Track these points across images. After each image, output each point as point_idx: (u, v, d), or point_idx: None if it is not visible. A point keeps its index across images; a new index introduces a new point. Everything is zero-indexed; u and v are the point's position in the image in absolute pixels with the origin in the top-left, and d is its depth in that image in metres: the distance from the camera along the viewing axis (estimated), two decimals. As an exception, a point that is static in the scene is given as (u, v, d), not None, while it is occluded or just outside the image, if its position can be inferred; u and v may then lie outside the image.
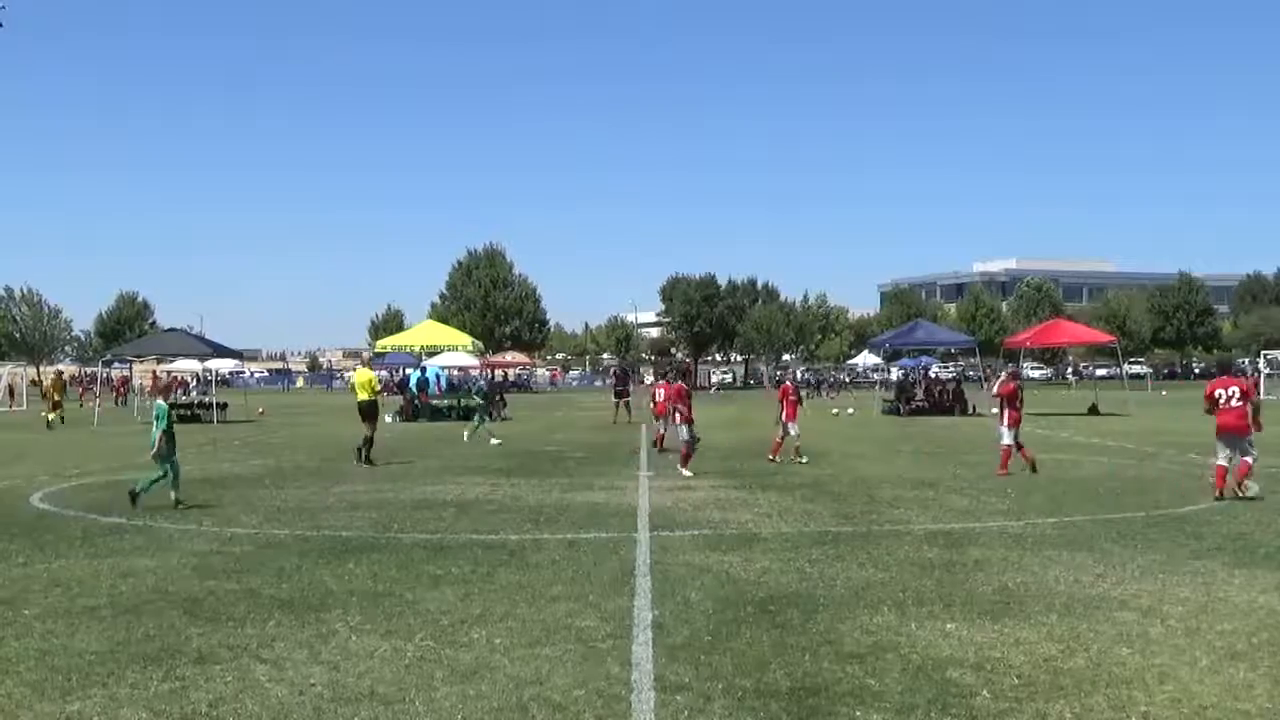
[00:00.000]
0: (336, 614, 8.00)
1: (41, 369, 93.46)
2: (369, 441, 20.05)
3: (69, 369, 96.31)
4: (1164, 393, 61.07)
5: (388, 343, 44.15)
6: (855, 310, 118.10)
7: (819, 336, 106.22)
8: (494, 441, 24.22)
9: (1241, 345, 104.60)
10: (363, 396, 21.10)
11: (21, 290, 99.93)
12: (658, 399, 22.15)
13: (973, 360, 71.11)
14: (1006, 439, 17.66)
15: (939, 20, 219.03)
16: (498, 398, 38.46)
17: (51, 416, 35.28)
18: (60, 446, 26.32)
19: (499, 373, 46.27)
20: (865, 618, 7.77)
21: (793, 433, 19.74)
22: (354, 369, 26.84)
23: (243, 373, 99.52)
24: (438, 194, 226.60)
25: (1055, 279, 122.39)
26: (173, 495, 13.96)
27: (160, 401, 14.60)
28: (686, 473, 17.47)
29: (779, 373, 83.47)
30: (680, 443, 18.53)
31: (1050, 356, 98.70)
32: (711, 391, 79.27)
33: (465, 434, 25.91)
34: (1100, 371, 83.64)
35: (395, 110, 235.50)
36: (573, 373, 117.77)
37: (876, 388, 53.41)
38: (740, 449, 23.33)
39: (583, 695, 6.04)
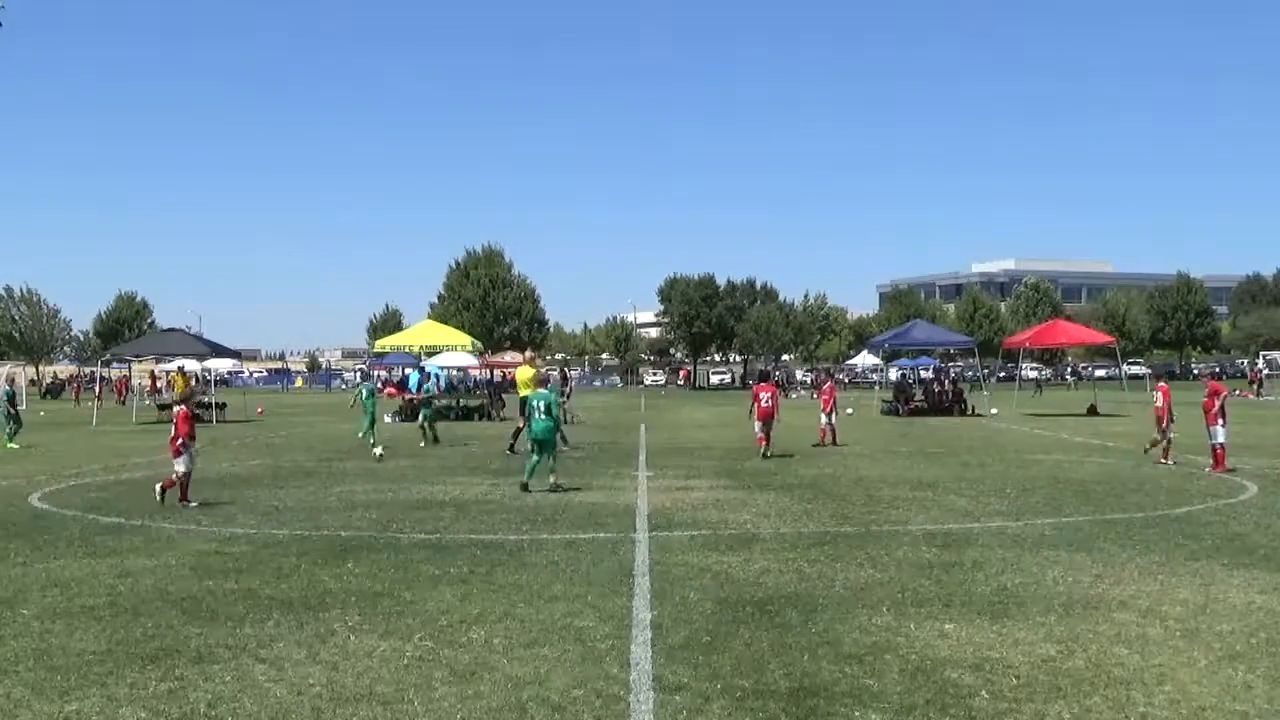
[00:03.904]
0: (335, 614, 8.00)
1: (40, 368, 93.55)
2: (518, 433, 21.52)
3: (68, 369, 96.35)
4: (1163, 393, 61.00)
5: (387, 342, 44.10)
6: (854, 311, 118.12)
7: (818, 337, 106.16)
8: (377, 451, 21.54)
9: (1240, 346, 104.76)
10: (525, 392, 22.04)
11: (21, 290, 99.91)
12: (763, 402, 20.88)
13: (971, 360, 71.05)
14: (1221, 438, 17.93)
15: (938, 21, 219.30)
16: (498, 398, 38.45)
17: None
18: (60, 446, 26.32)
19: (498, 373, 46.06)
20: (864, 618, 7.77)
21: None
22: (517, 366, 26.61)
23: (242, 372, 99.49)
24: (437, 194, 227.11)
25: (1054, 279, 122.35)
26: (551, 479, 15.36)
27: (542, 390, 15.84)
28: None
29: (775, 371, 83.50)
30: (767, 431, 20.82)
31: (1049, 357, 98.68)
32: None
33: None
34: (1099, 372, 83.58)
35: (395, 110, 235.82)
36: (572, 373, 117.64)
37: (875, 388, 53.35)
38: (739, 449, 23.31)
39: (581, 695, 6.04)
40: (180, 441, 14.07)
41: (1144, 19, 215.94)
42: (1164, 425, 19.57)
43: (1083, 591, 8.66)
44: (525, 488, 15.33)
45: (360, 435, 24.19)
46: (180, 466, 14.11)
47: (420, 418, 25.86)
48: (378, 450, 21.38)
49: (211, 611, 8.11)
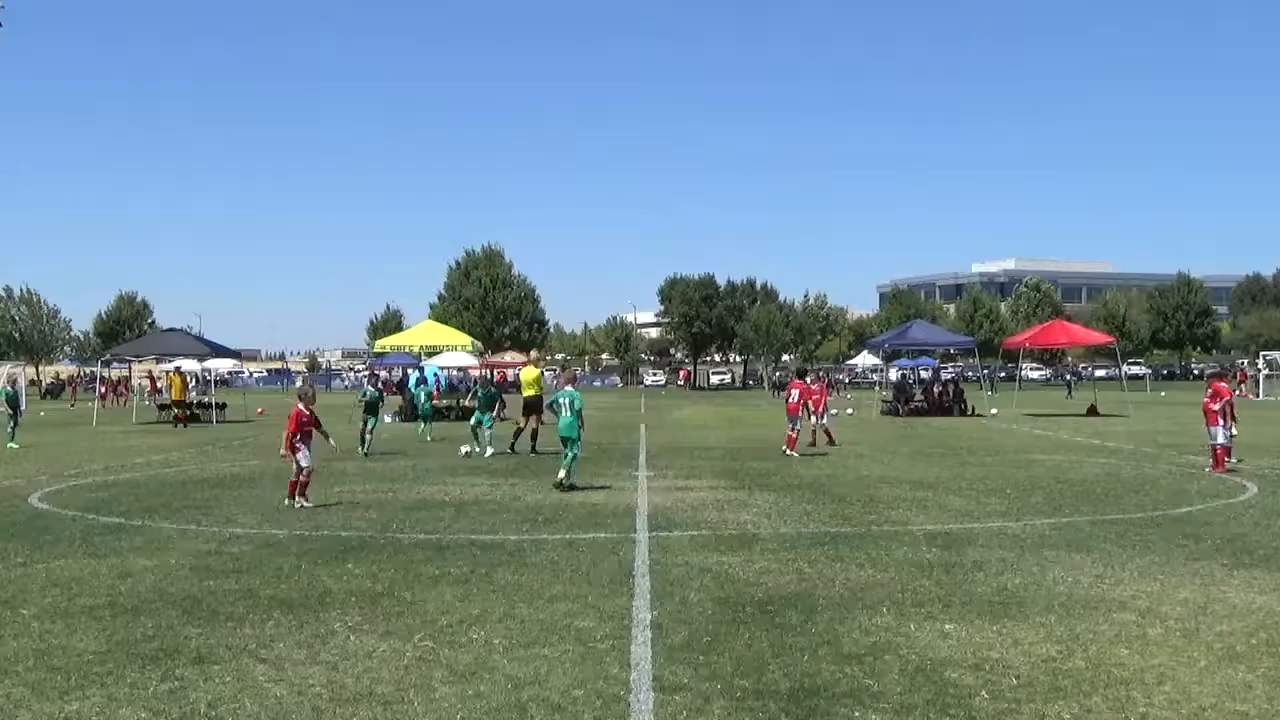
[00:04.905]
0: (335, 614, 8.00)
1: (41, 368, 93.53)
2: (534, 433, 21.99)
3: (68, 369, 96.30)
4: (1162, 394, 61.12)
5: (387, 342, 44.11)
6: (854, 311, 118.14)
7: (818, 337, 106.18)
8: (464, 450, 21.83)
9: (1240, 346, 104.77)
10: (529, 392, 22.58)
11: (21, 290, 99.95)
12: (791, 398, 22.15)
13: (972, 360, 70.99)
14: (1221, 438, 17.86)
15: (938, 21, 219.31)
16: (498, 398, 38.42)
17: (176, 414, 35.14)
18: (60, 446, 26.32)
19: (497, 373, 46.06)
20: (864, 618, 7.77)
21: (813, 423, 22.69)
22: (523, 366, 26.29)
23: (242, 373, 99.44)
24: (437, 194, 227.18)
25: (1054, 279, 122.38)
26: (560, 474, 15.59)
27: (570, 388, 16.09)
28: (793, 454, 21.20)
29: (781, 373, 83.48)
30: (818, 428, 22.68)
31: (1049, 358, 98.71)
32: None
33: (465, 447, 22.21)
34: (1099, 372, 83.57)
35: (394, 110, 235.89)
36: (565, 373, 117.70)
37: (876, 388, 53.34)
38: (739, 449, 23.33)
39: (581, 695, 6.04)
40: (297, 438, 13.97)
41: (1144, 18, 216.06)
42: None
43: (1083, 592, 8.66)
44: (568, 486, 15.48)
45: (426, 438, 26.01)
46: (304, 462, 14.00)
47: (366, 424, 22.87)
48: (464, 449, 21.76)
49: (211, 611, 8.11)
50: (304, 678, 6.42)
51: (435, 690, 6.17)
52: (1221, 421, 17.83)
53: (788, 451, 21.39)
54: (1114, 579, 9.14)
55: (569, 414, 15.65)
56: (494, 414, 23.32)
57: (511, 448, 22.25)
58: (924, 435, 28.27)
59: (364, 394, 24.67)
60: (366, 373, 43.58)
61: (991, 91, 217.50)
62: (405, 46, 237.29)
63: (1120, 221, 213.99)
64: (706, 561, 9.99)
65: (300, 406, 14.26)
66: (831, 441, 24.12)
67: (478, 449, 21.94)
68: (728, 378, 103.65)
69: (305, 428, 14.13)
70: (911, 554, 10.37)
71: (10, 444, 25.56)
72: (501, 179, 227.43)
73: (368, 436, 22.55)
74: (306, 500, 13.98)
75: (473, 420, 22.91)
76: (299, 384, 34.11)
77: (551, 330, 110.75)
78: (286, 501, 14.00)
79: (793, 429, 21.82)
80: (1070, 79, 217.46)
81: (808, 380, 24.20)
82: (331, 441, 15.50)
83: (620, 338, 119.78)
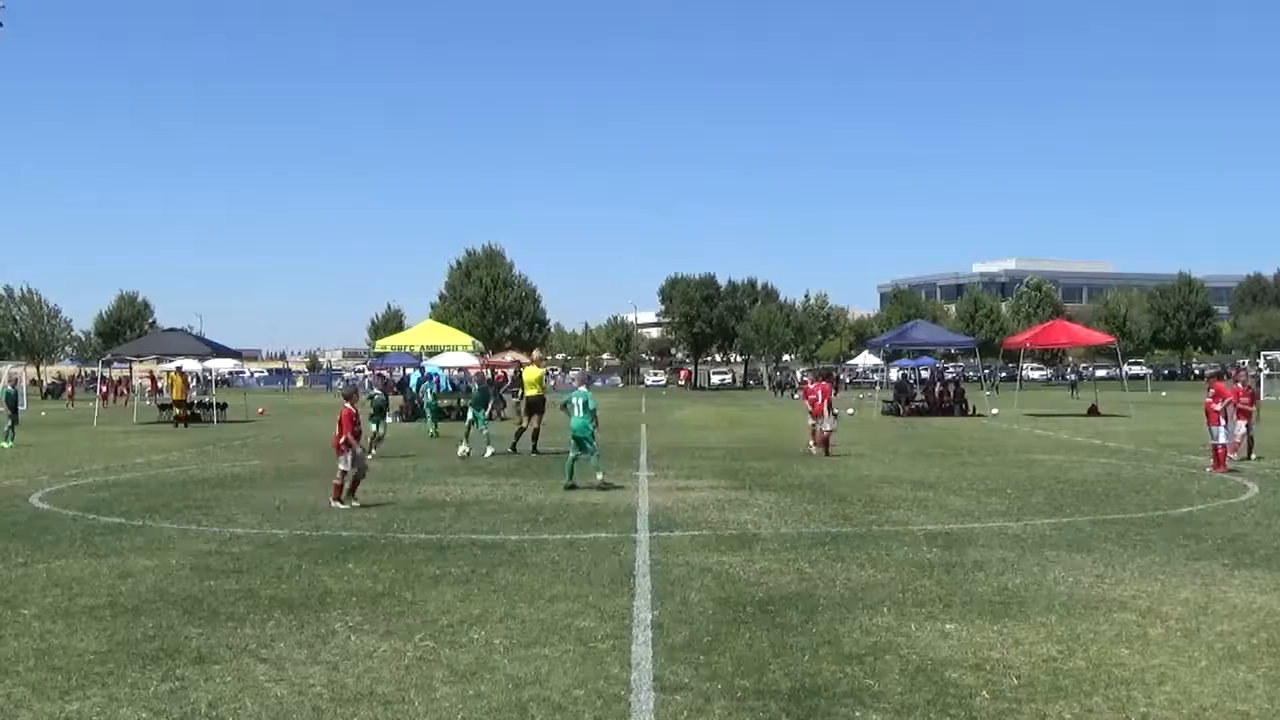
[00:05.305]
0: (336, 614, 8.00)
1: (42, 368, 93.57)
2: (535, 433, 22.10)
3: (70, 369, 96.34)
4: (1163, 394, 61.09)
5: (387, 342, 44.11)
6: (855, 311, 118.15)
7: (819, 337, 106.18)
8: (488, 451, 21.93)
9: (1241, 346, 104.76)
10: (532, 392, 22.52)
11: (21, 290, 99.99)
12: (817, 400, 22.29)
13: (973, 360, 70.96)
14: (1223, 438, 17.88)
15: (939, 20, 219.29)
16: (498, 398, 38.40)
17: (177, 414, 34.92)
18: (60, 446, 26.33)
19: (498, 373, 46.01)
20: (865, 618, 7.77)
21: (827, 427, 22.00)
22: (526, 365, 26.19)
23: (242, 373, 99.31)
24: (437, 194, 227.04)
25: (1055, 279, 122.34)
26: (599, 476, 15.79)
27: (583, 389, 16.37)
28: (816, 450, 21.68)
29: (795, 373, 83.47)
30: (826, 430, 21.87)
31: (1050, 358, 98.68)
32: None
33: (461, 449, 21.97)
34: (1100, 372, 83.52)
35: (394, 110, 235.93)
36: (572, 373, 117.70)
37: (876, 388, 53.34)
38: (740, 449, 23.33)
39: (582, 695, 6.04)
40: (344, 440, 13.87)
41: (1144, 18, 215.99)
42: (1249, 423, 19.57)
43: (1083, 592, 8.66)
44: (570, 488, 15.50)
45: (430, 434, 27.38)
46: (342, 465, 13.91)
47: (377, 425, 22.22)
48: (461, 449, 21.69)
49: (212, 611, 8.12)
50: (304, 678, 6.43)
51: (436, 690, 6.17)
52: (1223, 421, 17.85)
53: (812, 446, 21.88)
54: (1115, 579, 9.14)
55: (583, 413, 15.73)
56: (485, 411, 23.21)
57: (513, 447, 22.25)
58: (925, 435, 28.27)
59: (369, 396, 24.59)
60: (372, 375, 43.53)
61: (991, 91, 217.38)
62: (405, 46, 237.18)
63: (1120, 221, 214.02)
64: (707, 561, 9.99)
65: (349, 406, 14.14)
66: (826, 453, 22.59)
67: (471, 449, 21.76)
68: (728, 378, 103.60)
69: (356, 427, 14.06)
70: (912, 554, 10.37)
71: (4, 444, 25.52)
72: (501, 179, 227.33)
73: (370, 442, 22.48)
74: (355, 499, 13.92)
75: (469, 417, 22.85)
76: (341, 385, 34.18)
77: (552, 330, 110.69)
78: (348, 504, 13.79)
79: (823, 428, 21.96)
80: (1070, 79, 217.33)
81: (831, 379, 24.74)
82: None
83: (621, 338, 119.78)
